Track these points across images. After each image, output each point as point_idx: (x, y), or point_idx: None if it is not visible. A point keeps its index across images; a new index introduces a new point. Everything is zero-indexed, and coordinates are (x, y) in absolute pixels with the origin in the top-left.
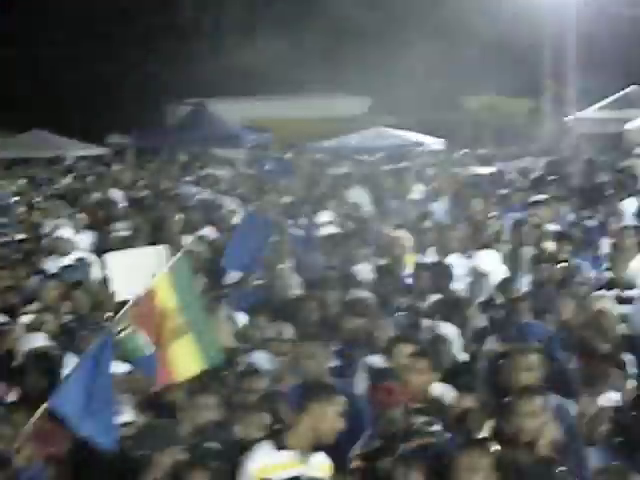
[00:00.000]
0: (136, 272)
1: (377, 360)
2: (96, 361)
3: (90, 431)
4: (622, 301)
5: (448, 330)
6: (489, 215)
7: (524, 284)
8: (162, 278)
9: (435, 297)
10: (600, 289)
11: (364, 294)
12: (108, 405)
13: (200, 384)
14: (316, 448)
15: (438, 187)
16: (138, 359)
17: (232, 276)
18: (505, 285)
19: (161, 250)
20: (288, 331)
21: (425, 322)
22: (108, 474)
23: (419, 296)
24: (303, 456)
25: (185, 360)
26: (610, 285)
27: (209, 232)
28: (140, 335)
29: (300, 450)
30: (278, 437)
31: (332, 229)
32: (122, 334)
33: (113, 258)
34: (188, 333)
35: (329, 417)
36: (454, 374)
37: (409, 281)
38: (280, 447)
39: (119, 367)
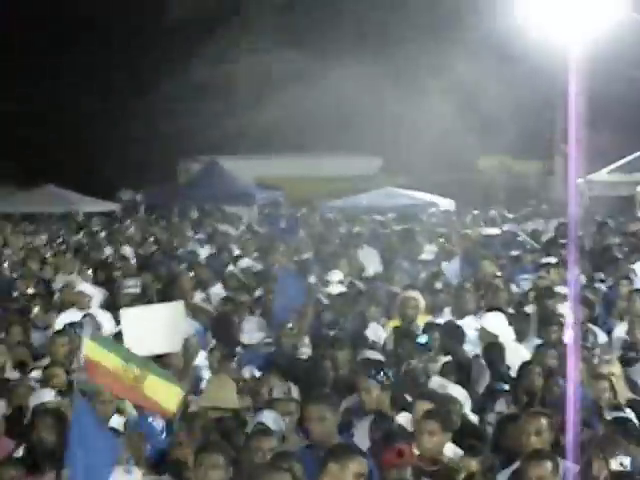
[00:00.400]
0: (151, 328)
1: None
2: (81, 424)
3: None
4: (628, 363)
5: (457, 392)
6: (499, 276)
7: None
8: (90, 347)
9: (446, 358)
10: (610, 352)
11: (375, 354)
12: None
13: (208, 443)
14: None
15: (449, 247)
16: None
17: (249, 336)
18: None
19: (177, 306)
20: (294, 391)
21: (435, 383)
22: None
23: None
24: None
25: (163, 396)
26: (621, 348)
27: (219, 290)
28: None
29: None
30: None
31: (342, 288)
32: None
33: (128, 313)
34: (148, 376)
35: (347, 478)
36: (462, 436)
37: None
38: None
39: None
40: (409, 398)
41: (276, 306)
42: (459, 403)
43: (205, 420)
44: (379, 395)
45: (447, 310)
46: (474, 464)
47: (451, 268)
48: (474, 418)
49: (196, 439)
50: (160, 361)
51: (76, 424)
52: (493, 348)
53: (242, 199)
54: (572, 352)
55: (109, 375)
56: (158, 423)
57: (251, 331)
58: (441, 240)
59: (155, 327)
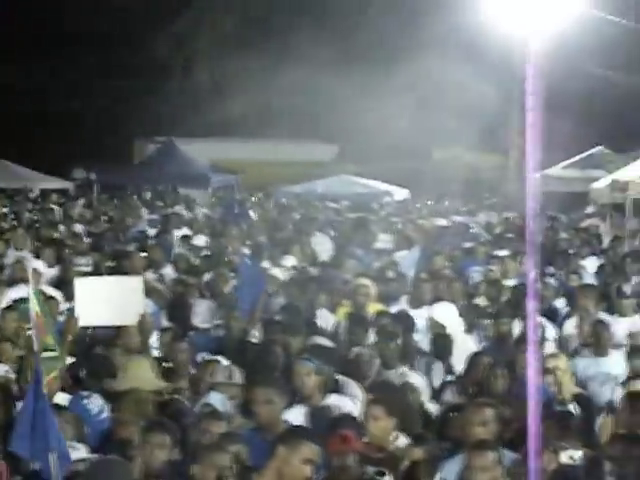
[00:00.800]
0: (107, 300)
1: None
2: (35, 396)
3: (43, 465)
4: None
5: (416, 380)
6: (448, 267)
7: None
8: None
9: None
10: (557, 347)
11: (324, 341)
12: (54, 439)
13: (155, 422)
14: None
15: (403, 237)
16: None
17: (201, 319)
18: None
19: (136, 281)
20: (237, 374)
21: (394, 371)
22: None
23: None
24: None
25: None
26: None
27: (169, 271)
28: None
29: None
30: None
31: (294, 274)
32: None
33: (83, 283)
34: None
35: (295, 464)
36: (412, 425)
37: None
38: None
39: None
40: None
41: (241, 297)
42: (416, 391)
43: (143, 399)
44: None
45: (403, 299)
46: (418, 453)
47: (410, 257)
48: (432, 407)
49: (139, 418)
50: (117, 335)
51: (29, 401)
52: (441, 339)
53: (197, 181)
54: (528, 344)
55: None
56: (94, 404)
57: (203, 314)
58: (396, 229)
59: (110, 298)
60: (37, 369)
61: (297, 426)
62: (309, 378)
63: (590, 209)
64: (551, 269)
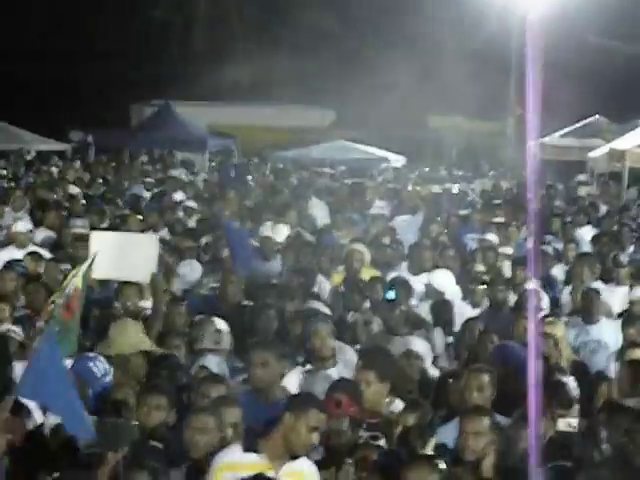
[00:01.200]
0: (122, 255)
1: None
2: (48, 353)
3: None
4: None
5: (419, 345)
6: (447, 234)
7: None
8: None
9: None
10: (553, 315)
11: (321, 306)
12: (72, 396)
13: (152, 384)
14: (292, 456)
15: (400, 203)
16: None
17: (182, 281)
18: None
19: (151, 239)
20: (227, 338)
21: (400, 337)
22: (59, 467)
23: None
24: (273, 461)
25: None
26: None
27: (165, 234)
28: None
29: (270, 457)
30: (249, 441)
31: (290, 239)
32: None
33: (99, 236)
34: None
35: (301, 431)
36: (407, 390)
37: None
38: (250, 450)
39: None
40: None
41: (236, 263)
42: (420, 357)
43: (132, 362)
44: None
45: (401, 266)
46: (411, 418)
47: (408, 224)
48: (434, 372)
49: (135, 380)
50: (116, 297)
51: (42, 352)
52: (441, 305)
53: (194, 145)
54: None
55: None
56: (99, 367)
57: (185, 275)
58: (393, 196)
59: (125, 254)
60: (50, 332)
61: (305, 393)
62: (330, 340)
63: (586, 177)
64: (548, 237)
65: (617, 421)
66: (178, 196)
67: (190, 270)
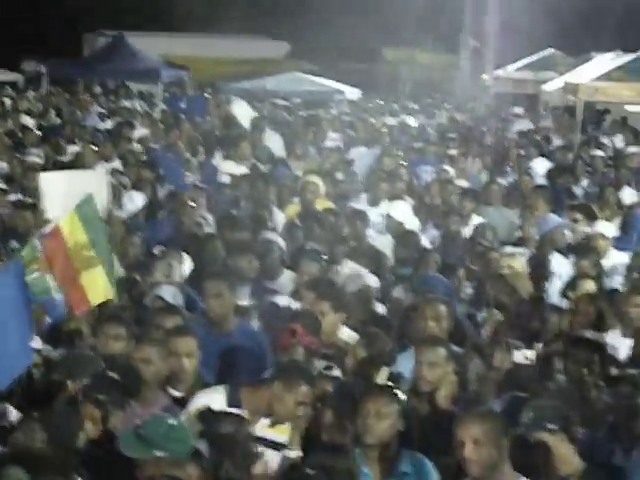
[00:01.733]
0: (72, 193)
1: (284, 302)
2: (9, 283)
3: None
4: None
5: (369, 279)
6: (402, 167)
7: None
8: (70, 216)
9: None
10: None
11: (275, 237)
12: (24, 326)
13: (111, 314)
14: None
15: (354, 136)
16: (45, 300)
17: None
18: (410, 238)
19: (100, 174)
20: (178, 268)
21: (349, 270)
22: (17, 399)
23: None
24: (253, 416)
25: (96, 288)
26: (520, 243)
27: (118, 165)
28: (48, 277)
29: (251, 411)
30: (233, 393)
31: (245, 170)
32: (32, 276)
33: (48, 177)
34: (98, 266)
35: (289, 404)
36: (361, 320)
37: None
38: (233, 405)
39: None
40: None
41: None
42: (369, 289)
43: None
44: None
45: (358, 198)
46: (362, 350)
47: (364, 156)
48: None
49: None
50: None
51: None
52: (408, 235)
53: (147, 76)
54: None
55: (61, 250)
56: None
57: (125, 205)
58: (348, 128)
59: (75, 192)
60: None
61: (297, 365)
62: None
63: (521, 111)
64: (502, 169)
65: (576, 353)
66: (139, 132)
67: (129, 200)
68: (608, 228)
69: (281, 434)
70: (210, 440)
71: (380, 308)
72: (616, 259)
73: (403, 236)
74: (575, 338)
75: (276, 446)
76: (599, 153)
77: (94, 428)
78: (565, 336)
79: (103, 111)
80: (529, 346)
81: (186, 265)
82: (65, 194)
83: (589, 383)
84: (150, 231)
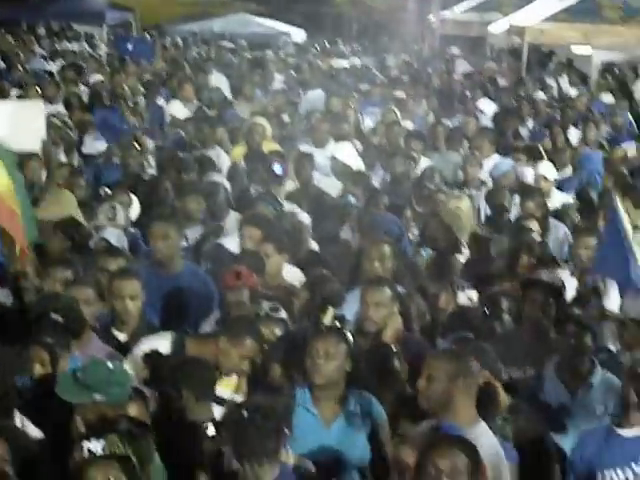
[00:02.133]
0: (9, 124)
1: (229, 244)
2: None
3: None
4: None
5: (305, 218)
6: (349, 108)
7: (380, 178)
8: None
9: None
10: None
11: (221, 178)
12: None
13: (57, 258)
14: None
15: (301, 78)
16: None
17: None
18: (360, 178)
19: (36, 105)
20: (122, 211)
21: (285, 208)
22: None
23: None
24: None
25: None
26: (464, 184)
27: (61, 108)
28: None
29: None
30: (177, 341)
31: (191, 112)
32: None
33: None
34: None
35: (234, 358)
36: (307, 264)
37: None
38: (178, 352)
39: None
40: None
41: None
42: (305, 229)
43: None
44: None
45: (304, 140)
46: (308, 292)
47: (316, 97)
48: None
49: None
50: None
51: None
52: (357, 175)
53: (91, 18)
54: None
55: None
56: None
57: (89, 142)
58: (294, 70)
59: (12, 123)
60: None
61: (243, 319)
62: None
63: (458, 51)
64: (449, 111)
65: (533, 295)
66: (77, 68)
67: (90, 143)
68: (550, 169)
69: (226, 388)
70: (168, 370)
71: (313, 245)
72: (558, 200)
73: (353, 176)
74: (532, 280)
75: (221, 401)
76: (541, 95)
77: (43, 370)
78: (527, 279)
79: (47, 54)
80: (475, 287)
81: (135, 207)
82: (2, 124)
83: (545, 325)
84: (107, 174)
